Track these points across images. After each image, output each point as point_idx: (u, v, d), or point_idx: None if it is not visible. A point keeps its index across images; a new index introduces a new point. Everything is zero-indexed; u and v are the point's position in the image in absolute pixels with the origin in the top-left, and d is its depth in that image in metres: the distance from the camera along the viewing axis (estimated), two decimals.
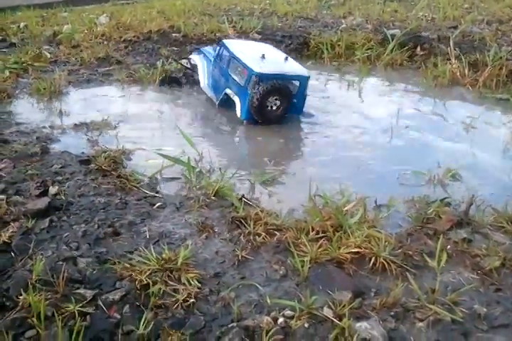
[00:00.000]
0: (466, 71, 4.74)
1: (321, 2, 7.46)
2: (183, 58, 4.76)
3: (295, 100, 3.83)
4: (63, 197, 2.54)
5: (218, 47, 4.14)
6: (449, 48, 5.05)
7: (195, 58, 4.49)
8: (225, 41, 4.16)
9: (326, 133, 3.72)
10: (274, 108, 3.76)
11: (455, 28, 5.73)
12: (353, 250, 2.17)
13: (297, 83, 3.80)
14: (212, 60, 4.21)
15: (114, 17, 6.32)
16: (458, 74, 4.77)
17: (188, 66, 4.61)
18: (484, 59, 4.85)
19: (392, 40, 5.34)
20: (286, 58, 3.90)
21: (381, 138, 3.68)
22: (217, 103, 4.05)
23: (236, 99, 3.82)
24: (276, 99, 3.74)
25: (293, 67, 3.87)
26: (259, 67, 3.67)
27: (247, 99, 3.70)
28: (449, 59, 4.97)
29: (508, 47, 5.10)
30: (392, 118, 3.84)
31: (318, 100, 4.31)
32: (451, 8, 6.70)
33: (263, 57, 3.79)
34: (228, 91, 3.89)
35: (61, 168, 2.88)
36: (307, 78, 3.80)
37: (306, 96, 3.91)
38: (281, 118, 3.81)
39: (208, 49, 4.45)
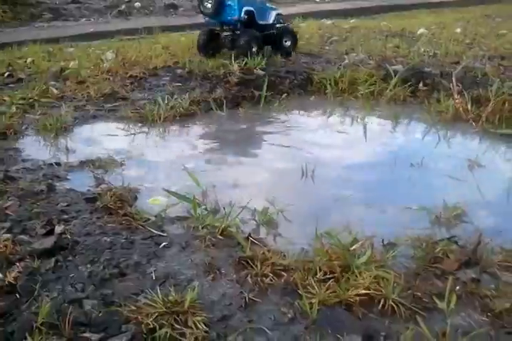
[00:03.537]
0: (469, 106, 4.76)
1: (323, 38, 7.58)
2: None
3: None
4: (69, 236, 2.53)
5: None
6: (451, 84, 5.09)
7: None
8: None
9: (328, 170, 3.72)
10: None
11: (457, 63, 5.79)
12: (362, 292, 2.16)
13: None
14: None
15: (120, 53, 6.41)
16: (461, 109, 4.78)
17: None
18: (487, 94, 4.86)
19: (395, 76, 5.40)
20: None
21: (385, 175, 3.68)
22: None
23: None
24: None
25: None
26: None
27: None
28: (451, 94, 4.99)
29: (510, 83, 5.11)
30: (395, 155, 3.84)
31: (321, 136, 4.35)
32: (452, 43, 6.79)
33: None
34: None
35: (67, 206, 2.88)
36: None
37: None
38: None
39: None
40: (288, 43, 6.21)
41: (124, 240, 2.56)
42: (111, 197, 2.94)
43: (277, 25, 6.21)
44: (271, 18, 6.15)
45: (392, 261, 2.50)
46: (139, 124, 4.39)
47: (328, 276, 2.29)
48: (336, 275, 2.29)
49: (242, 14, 5.68)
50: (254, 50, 5.72)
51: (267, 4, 6.31)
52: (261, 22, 6.00)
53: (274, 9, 6.35)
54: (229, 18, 5.72)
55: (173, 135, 4.30)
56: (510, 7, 12.24)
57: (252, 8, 5.80)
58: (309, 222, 2.76)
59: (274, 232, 2.88)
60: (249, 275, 2.29)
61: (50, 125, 4.09)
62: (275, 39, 6.14)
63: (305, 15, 10.06)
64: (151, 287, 2.18)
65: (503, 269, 2.45)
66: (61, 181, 3.25)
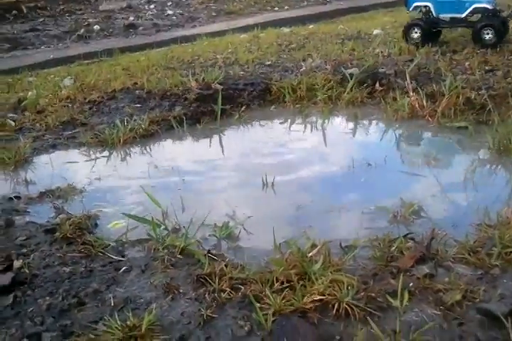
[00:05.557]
0: (425, 102, 4.82)
1: (281, 46, 7.65)
2: None
3: None
4: (27, 271, 2.54)
5: None
6: (406, 82, 5.17)
7: None
8: None
9: (288, 178, 3.77)
10: None
11: (411, 61, 5.87)
12: (317, 298, 2.19)
13: None
14: None
15: (79, 78, 6.42)
16: (417, 106, 4.85)
17: None
18: (441, 89, 4.93)
19: (351, 79, 5.46)
20: None
21: (344, 177, 3.75)
22: None
23: None
24: None
25: None
26: None
27: None
28: (407, 92, 5.07)
29: (463, 76, 5.20)
30: (354, 157, 3.89)
31: (280, 144, 4.41)
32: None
33: None
34: None
35: (26, 239, 2.89)
36: None
37: None
38: None
39: None
40: (488, 36, 6.22)
41: (83, 269, 2.57)
42: (70, 226, 2.95)
43: (472, 19, 6.56)
44: (465, 12, 6.33)
45: (350, 264, 2.55)
46: (99, 149, 4.40)
47: (285, 285, 2.32)
48: (292, 283, 2.32)
49: (411, 9, 6.64)
50: (415, 36, 6.59)
51: None
52: (442, 15, 6.57)
53: (476, 2, 6.32)
54: (407, 11, 6.86)
55: (133, 157, 4.32)
56: None
57: (426, 3, 6.50)
58: (270, 232, 2.78)
59: (234, 246, 2.91)
60: (207, 292, 2.32)
61: (9, 158, 4.09)
62: (472, 32, 6.41)
63: (264, 25, 10.13)
64: (109, 314, 2.20)
65: (457, 262, 2.50)
66: (20, 215, 3.25)
